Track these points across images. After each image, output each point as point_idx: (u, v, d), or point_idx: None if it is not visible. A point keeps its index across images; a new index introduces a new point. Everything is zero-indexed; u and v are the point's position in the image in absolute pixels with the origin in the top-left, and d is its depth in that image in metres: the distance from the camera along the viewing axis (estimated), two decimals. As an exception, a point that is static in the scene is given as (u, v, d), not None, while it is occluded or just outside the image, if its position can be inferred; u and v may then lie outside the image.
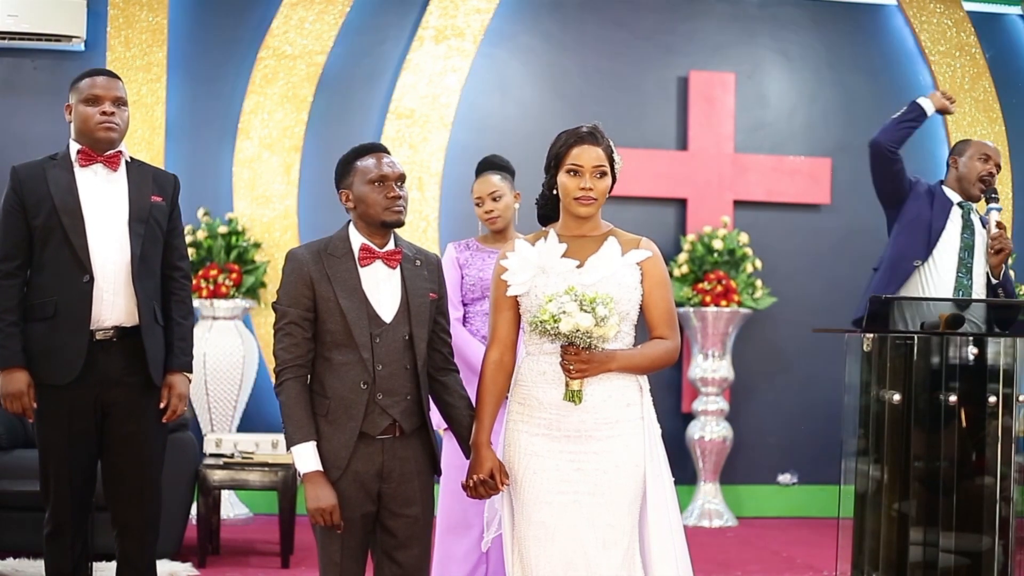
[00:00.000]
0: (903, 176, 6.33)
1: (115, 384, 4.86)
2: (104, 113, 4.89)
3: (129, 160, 5.02)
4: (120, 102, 4.95)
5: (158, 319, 4.93)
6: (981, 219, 6.29)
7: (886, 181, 6.36)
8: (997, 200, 6.26)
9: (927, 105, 6.54)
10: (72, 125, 4.97)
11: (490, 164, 5.61)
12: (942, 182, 6.43)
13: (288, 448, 4.11)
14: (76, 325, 4.79)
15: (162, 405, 4.94)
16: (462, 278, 5.45)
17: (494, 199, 5.46)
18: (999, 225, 6.12)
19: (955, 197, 6.35)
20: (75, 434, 4.85)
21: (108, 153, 4.93)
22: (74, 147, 4.93)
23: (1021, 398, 5.39)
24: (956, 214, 6.27)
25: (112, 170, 4.93)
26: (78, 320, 4.79)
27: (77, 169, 4.90)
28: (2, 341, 4.79)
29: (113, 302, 4.84)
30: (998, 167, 6.38)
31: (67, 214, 4.81)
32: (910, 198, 6.30)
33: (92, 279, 4.80)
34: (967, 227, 6.23)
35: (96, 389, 4.84)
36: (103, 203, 4.88)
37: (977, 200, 6.33)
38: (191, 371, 5.08)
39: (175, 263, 5.06)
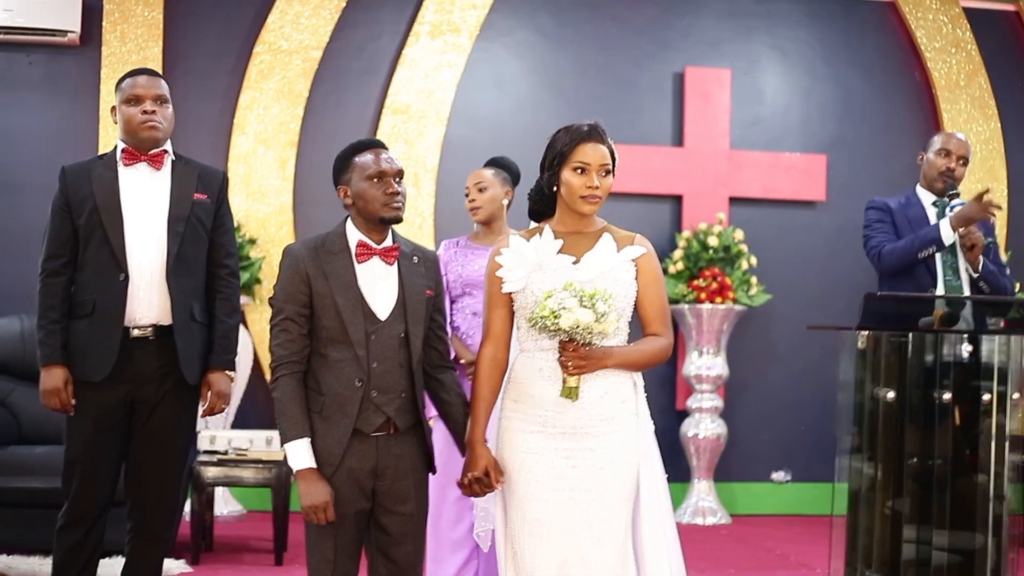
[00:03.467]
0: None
1: (148, 381, 4.90)
2: (146, 112, 4.95)
3: (175, 158, 5.05)
4: (162, 100, 5.02)
5: (196, 317, 4.96)
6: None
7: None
8: (957, 195, 6.18)
9: (947, 234, 6.03)
10: (119, 126, 5.02)
11: (491, 160, 5.68)
12: (918, 183, 6.38)
13: (282, 444, 4.10)
14: (111, 323, 4.83)
15: (203, 403, 4.99)
16: (446, 275, 5.48)
17: (479, 190, 5.53)
18: None
19: (929, 197, 6.28)
20: (104, 430, 4.89)
21: (152, 152, 4.97)
22: (120, 147, 5.00)
23: (1015, 396, 5.40)
24: (933, 215, 6.22)
25: (156, 169, 4.99)
26: (113, 318, 4.83)
27: (121, 168, 4.96)
28: (43, 339, 4.85)
29: (149, 300, 4.88)
30: (962, 160, 6.27)
31: (108, 213, 4.86)
32: (897, 234, 6.22)
33: (127, 277, 4.84)
34: None
35: (129, 386, 4.88)
36: (143, 202, 4.93)
37: (942, 196, 6.26)
38: (233, 369, 5.10)
39: (221, 260, 5.08)
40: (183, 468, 5.10)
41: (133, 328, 4.86)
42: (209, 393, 4.98)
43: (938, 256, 6.07)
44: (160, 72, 8.02)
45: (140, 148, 4.96)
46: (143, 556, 5.01)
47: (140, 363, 4.87)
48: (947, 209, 6.18)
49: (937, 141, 6.31)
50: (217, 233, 5.07)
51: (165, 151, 5.01)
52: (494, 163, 5.71)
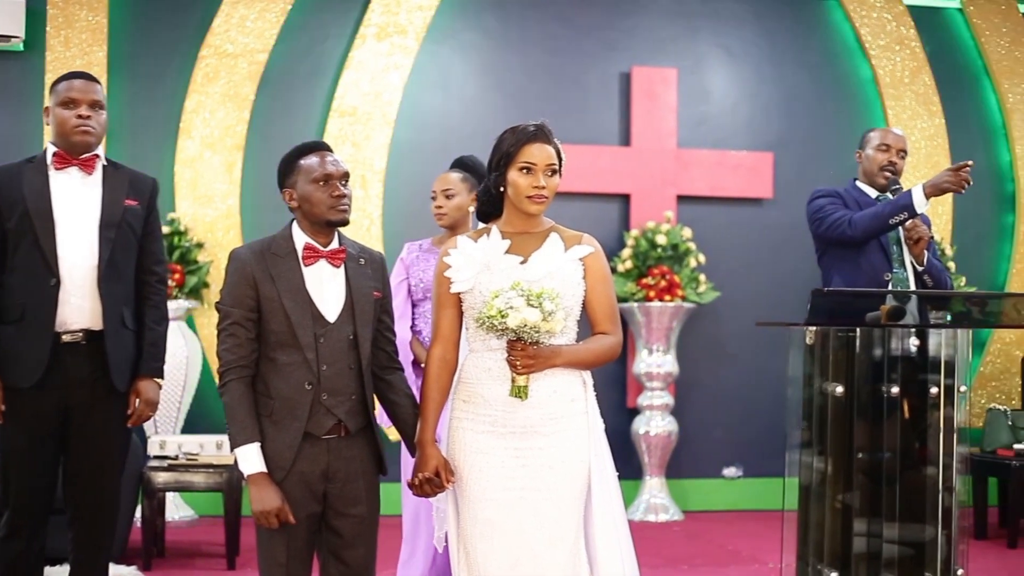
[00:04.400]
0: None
1: (80, 387, 4.85)
2: (80, 116, 4.90)
3: (106, 163, 5.01)
4: (97, 105, 4.96)
5: (126, 324, 4.92)
6: None
7: (832, 243, 6.23)
8: (900, 189, 6.16)
9: (919, 200, 5.92)
10: (51, 128, 4.97)
11: (459, 162, 5.63)
12: (856, 179, 6.37)
13: (232, 449, 4.09)
14: (41, 328, 4.78)
15: (129, 411, 4.93)
16: (408, 278, 5.46)
17: (447, 196, 5.50)
18: None
19: (871, 192, 6.27)
20: (38, 437, 4.84)
21: (84, 156, 4.92)
22: (51, 150, 4.94)
23: (962, 388, 5.43)
24: None
25: (88, 173, 4.93)
26: (43, 323, 4.78)
27: (52, 172, 4.90)
28: None
29: (80, 306, 4.83)
30: (901, 153, 6.27)
31: (38, 217, 4.81)
32: None
33: (59, 282, 4.80)
34: None
35: (61, 392, 4.83)
36: (75, 207, 4.88)
37: (884, 191, 6.25)
38: (162, 376, 5.05)
39: (150, 267, 5.04)
40: (121, 473, 5.04)
41: (64, 333, 4.81)
42: (137, 400, 4.94)
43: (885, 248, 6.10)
44: (98, 78, 7.98)
45: (72, 152, 4.91)
46: (87, 563, 4.98)
47: (72, 368, 4.82)
48: None
49: (875, 137, 6.30)
50: (147, 240, 5.04)
51: (97, 156, 4.96)
52: (463, 166, 5.63)
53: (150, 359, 4.99)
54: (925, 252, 6.09)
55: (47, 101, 5.01)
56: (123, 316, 4.91)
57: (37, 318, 4.79)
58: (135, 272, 4.99)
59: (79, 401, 4.85)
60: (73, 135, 4.89)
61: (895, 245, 6.12)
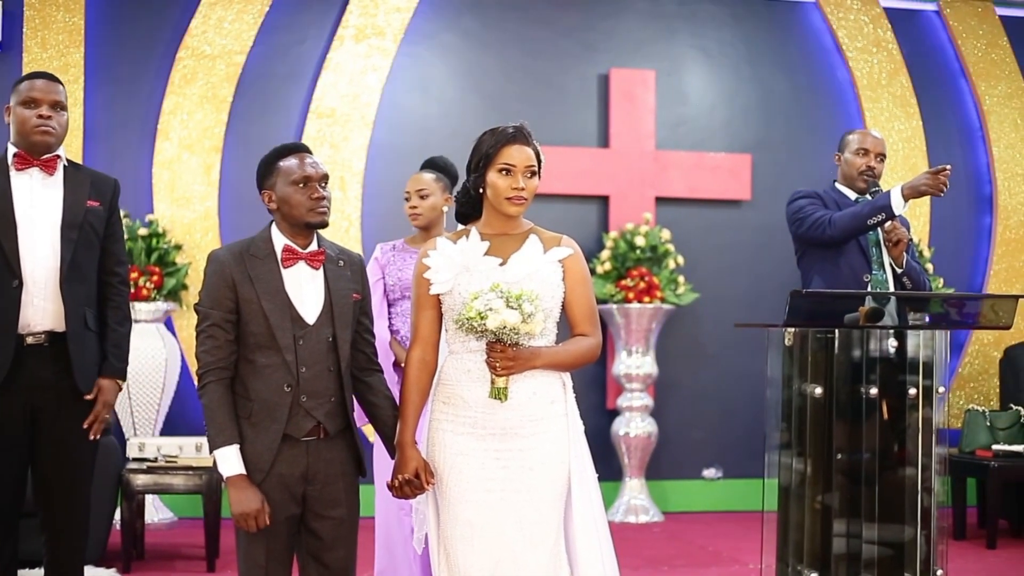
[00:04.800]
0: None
1: (45, 389, 4.81)
2: (41, 116, 4.86)
3: (67, 164, 4.97)
4: (58, 106, 4.93)
5: (89, 325, 4.89)
6: None
7: (812, 243, 6.20)
8: (880, 192, 6.14)
9: (897, 202, 5.89)
10: (11, 127, 4.93)
11: (431, 163, 5.65)
12: (836, 181, 6.36)
13: (211, 451, 4.08)
14: (4, 330, 4.75)
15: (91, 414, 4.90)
16: (384, 278, 5.46)
17: (421, 196, 5.51)
18: None
19: (851, 194, 6.24)
20: (4, 440, 4.79)
21: (45, 157, 4.89)
22: (11, 150, 4.90)
23: (940, 389, 5.44)
24: None
25: (48, 174, 4.90)
26: (6, 325, 4.75)
27: (13, 173, 4.86)
28: None
29: (43, 307, 4.80)
30: (880, 157, 6.23)
31: (0, 218, 4.77)
32: None
33: (21, 284, 4.76)
34: None
35: (25, 394, 4.79)
36: (36, 208, 4.84)
37: (864, 194, 6.22)
38: (124, 378, 5.03)
39: (112, 268, 5.01)
40: (91, 475, 5.00)
41: (28, 335, 4.79)
42: (95, 401, 4.90)
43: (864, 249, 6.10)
44: (74, 79, 7.91)
45: (32, 152, 4.87)
46: (61, 567, 4.95)
47: (36, 370, 4.79)
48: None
49: (854, 140, 6.27)
50: (108, 241, 5.01)
51: (58, 156, 4.93)
52: (433, 166, 5.65)
53: (114, 360, 4.96)
54: (904, 254, 6.09)
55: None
56: (86, 318, 4.88)
57: (0, 320, 4.75)
58: (97, 273, 4.97)
59: (44, 404, 4.82)
60: (33, 135, 4.85)
61: (874, 247, 6.12)
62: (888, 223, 5.98)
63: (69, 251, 4.83)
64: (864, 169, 6.20)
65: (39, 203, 4.85)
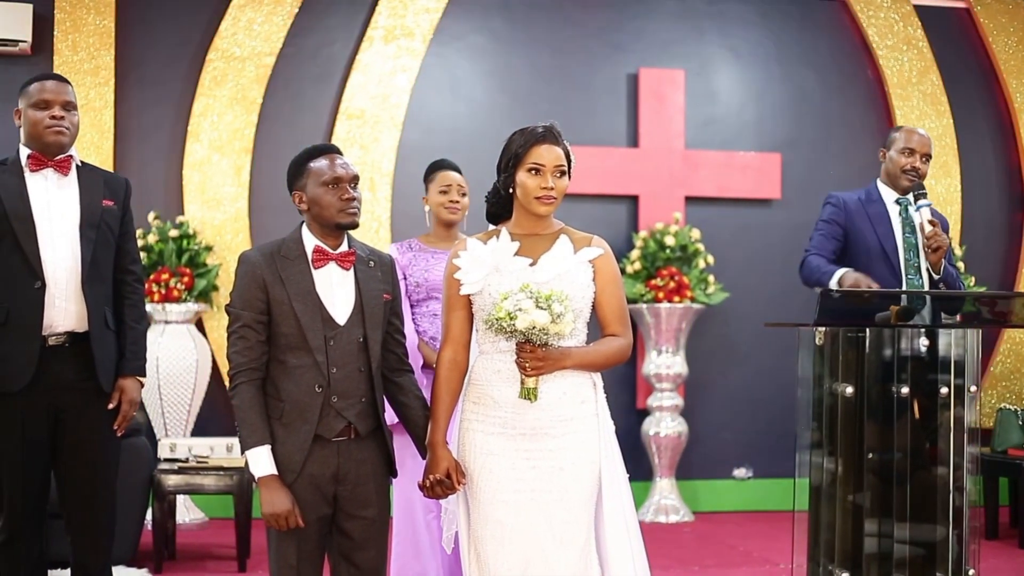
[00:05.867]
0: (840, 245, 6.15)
1: (68, 390, 4.81)
2: (54, 117, 4.86)
3: (80, 164, 4.98)
4: (70, 106, 4.93)
5: (109, 324, 4.90)
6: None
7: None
8: (925, 195, 6.05)
9: (834, 284, 5.83)
10: (22, 130, 4.94)
11: (450, 164, 5.67)
12: (879, 178, 6.29)
13: (242, 452, 4.09)
14: (28, 331, 4.74)
15: (111, 406, 4.90)
16: (405, 279, 5.45)
17: (462, 193, 5.54)
18: (931, 223, 5.98)
19: (891, 195, 6.14)
20: (28, 441, 4.79)
21: (58, 158, 4.90)
22: (24, 152, 4.90)
23: (972, 388, 5.42)
24: (895, 213, 6.13)
25: (63, 175, 4.90)
26: (30, 326, 4.75)
27: (27, 174, 4.86)
28: None
29: (65, 308, 4.80)
30: (925, 158, 6.14)
31: (18, 220, 4.77)
32: (847, 230, 6.12)
33: (44, 285, 4.77)
34: (907, 225, 6.06)
35: (49, 395, 4.79)
36: (54, 208, 4.85)
37: (906, 193, 6.16)
38: (144, 375, 5.03)
39: (127, 267, 5.02)
40: (115, 474, 5.00)
41: (50, 336, 4.79)
42: (120, 399, 4.90)
43: (901, 256, 6.05)
44: (107, 76, 7.96)
45: (45, 153, 4.88)
46: (87, 565, 4.95)
47: (58, 371, 4.79)
48: (911, 208, 6.10)
49: (900, 138, 6.17)
50: (123, 239, 5.02)
51: (71, 156, 4.94)
52: (455, 167, 5.69)
53: (132, 358, 4.97)
54: (942, 261, 6.02)
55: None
56: (106, 317, 4.89)
57: (23, 321, 4.75)
58: (113, 272, 4.98)
59: (67, 404, 4.82)
60: (46, 135, 4.86)
61: (912, 253, 6.06)
62: (930, 229, 5.93)
63: (89, 251, 4.84)
64: (908, 168, 6.11)
65: (56, 204, 4.86)
